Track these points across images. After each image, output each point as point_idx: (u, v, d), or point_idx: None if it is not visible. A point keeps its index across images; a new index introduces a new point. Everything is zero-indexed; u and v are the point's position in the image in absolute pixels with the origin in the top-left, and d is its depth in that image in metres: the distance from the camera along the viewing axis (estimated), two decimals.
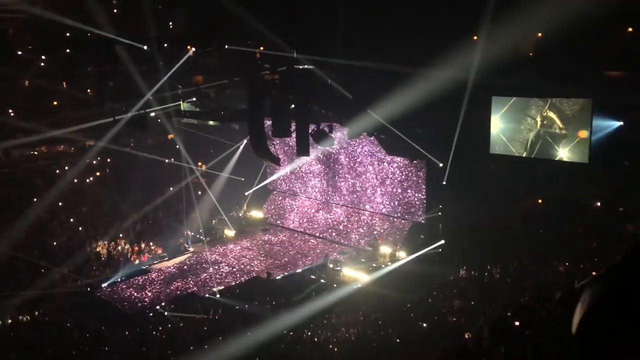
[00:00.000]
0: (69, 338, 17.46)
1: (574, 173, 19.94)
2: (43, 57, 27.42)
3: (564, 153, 20.08)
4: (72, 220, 26.68)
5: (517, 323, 11.20)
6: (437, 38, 18.98)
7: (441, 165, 22.39)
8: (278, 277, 22.74)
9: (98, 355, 16.28)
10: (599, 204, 20.49)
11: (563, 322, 9.90)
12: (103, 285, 22.38)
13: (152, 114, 25.16)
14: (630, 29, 18.59)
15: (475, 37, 20.38)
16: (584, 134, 19.45)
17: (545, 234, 20.64)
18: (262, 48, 24.32)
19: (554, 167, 20.34)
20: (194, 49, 24.34)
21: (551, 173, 20.42)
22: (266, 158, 22.47)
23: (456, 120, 20.72)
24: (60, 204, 27.08)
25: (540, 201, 21.70)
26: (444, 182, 22.24)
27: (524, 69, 19.94)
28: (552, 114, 20.19)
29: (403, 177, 25.00)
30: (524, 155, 21.15)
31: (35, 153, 31.17)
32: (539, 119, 20.52)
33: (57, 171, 29.69)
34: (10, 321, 18.93)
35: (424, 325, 16.47)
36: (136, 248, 25.54)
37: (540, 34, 20.16)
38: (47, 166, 29.93)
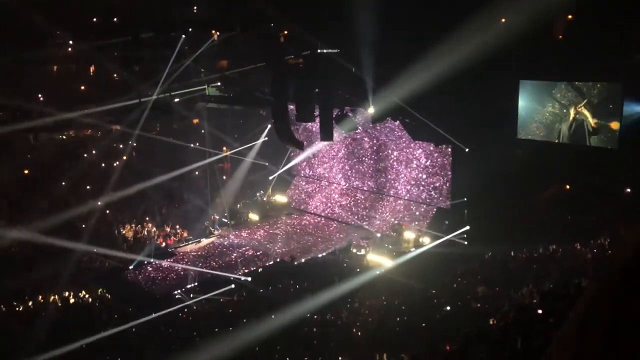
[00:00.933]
0: (96, 319, 17.83)
1: (602, 159, 19.56)
2: (70, 42, 27.72)
3: (593, 139, 19.69)
4: (99, 203, 27.09)
5: (540, 310, 11.09)
6: (464, 21, 18.67)
7: (467, 150, 22.16)
8: (302, 261, 22.84)
9: (125, 336, 16.59)
10: (628, 190, 20.10)
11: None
12: (130, 267, 22.76)
13: (177, 99, 25.36)
14: None
15: (503, 20, 20.03)
16: (615, 125, 19.02)
17: (572, 220, 20.34)
18: (286, 32, 24.26)
19: (582, 153, 19.97)
20: (218, 34, 24.41)
21: (579, 158, 20.05)
22: (289, 143, 22.52)
23: (483, 105, 20.44)
24: (88, 187, 27.52)
25: (567, 187, 21.36)
26: (468, 165, 22.01)
27: (553, 52, 19.58)
28: (585, 112, 19.74)
29: (428, 162, 24.82)
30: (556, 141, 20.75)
31: (64, 137, 31.64)
32: (572, 112, 20.07)
33: (85, 155, 30.16)
34: (41, 300, 19.37)
35: (448, 310, 16.42)
36: (162, 232, 25.88)
37: (570, 17, 19.72)
38: (74, 150, 30.40)
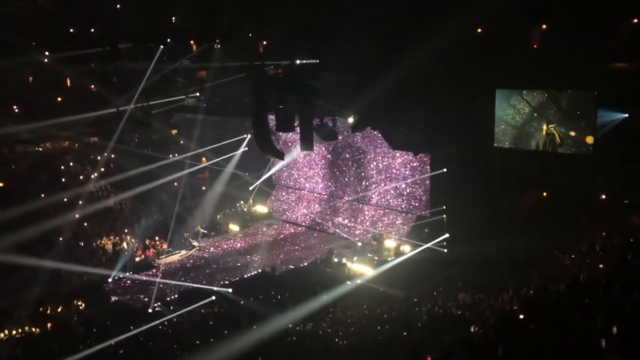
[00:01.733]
0: (75, 333, 17.53)
1: (579, 165, 19.86)
2: (47, 52, 27.41)
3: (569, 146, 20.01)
4: (77, 215, 26.71)
5: (521, 316, 11.18)
6: (441, 31, 18.90)
7: (445, 158, 22.35)
8: (283, 271, 22.75)
9: (104, 350, 16.33)
10: (604, 196, 20.43)
11: (569, 314, 9.90)
12: (109, 280, 22.45)
13: (155, 111, 25.17)
14: (635, 20, 18.48)
15: (479, 30, 20.32)
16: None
17: (551, 227, 20.58)
18: (265, 42, 24.28)
19: (558, 160, 20.25)
20: (196, 45, 24.30)
21: (556, 165, 20.34)
22: (270, 153, 22.42)
23: (460, 114, 20.65)
24: (64, 199, 27.12)
25: (545, 194, 21.63)
26: (446, 173, 22.21)
27: (528, 61, 19.88)
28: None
29: (407, 171, 24.97)
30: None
31: (40, 149, 31.20)
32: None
33: (62, 167, 29.76)
34: (16, 316, 18.98)
35: (429, 318, 16.47)
36: (141, 244, 25.59)
37: (544, 27, 20.07)
38: (51, 162, 29.97)
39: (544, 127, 20.31)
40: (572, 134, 19.73)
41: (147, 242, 25.85)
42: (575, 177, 20.05)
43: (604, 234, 18.85)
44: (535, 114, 20.48)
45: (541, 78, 19.85)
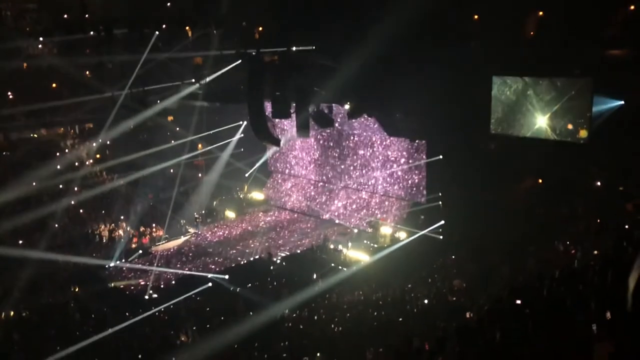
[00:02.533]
0: (71, 319, 17.58)
1: (574, 153, 19.92)
2: (41, 39, 27.21)
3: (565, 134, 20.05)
4: (72, 202, 26.69)
5: (517, 302, 11.26)
6: (438, 18, 18.86)
7: (441, 145, 22.37)
8: (279, 258, 22.82)
9: (100, 336, 16.39)
10: (599, 183, 20.51)
11: (563, 300, 9.98)
12: (105, 267, 22.49)
13: (152, 97, 25.07)
14: (632, 7, 18.43)
15: (476, 17, 20.25)
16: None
17: (546, 214, 20.68)
18: (260, 28, 24.15)
19: (554, 147, 20.29)
20: (192, 30, 24.15)
21: (552, 152, 20.38)
22: (266, 139, 22.46)
23: (456, 100, 20.63)
24: (60, 186, 27.08)
25: (540, 181, 21.70)
26: (443, 160, 22.23)
27: (525, 48, 19.84)
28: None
29: (403, 157, 24.96)
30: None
31: (35, 136, 31.10)
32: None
33: (57, 154, 29.66)
34: (11, 300, 19.00)
35: (424, 304, 16.58)
36: (136, 231, 25.58)
37: (541, 13, 20.01)
38: (46, 149, 29.87)
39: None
40: (570, 126, 19.74)
41: (142, 229, 25.83)
42: (571, 165, 20.11)
43: (598, 221, 18.95)
44: (531, 100, 20.50)
45: (538, 64, 19.84)
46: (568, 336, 8.43)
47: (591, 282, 10.80)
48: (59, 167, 28.20)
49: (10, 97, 29.20)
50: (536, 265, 16.93)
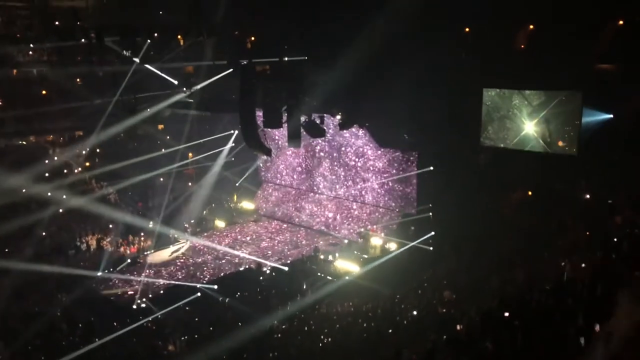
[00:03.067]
0: (58, 329, 17.37)
1: (563, 165, 20.05)
2: (31, 45, 27.09)
3: (553, 146, 20.20)
4: (60, 210, 26.46)
5: (506, 314, 11.25)
6: (430, 29, 18.99)
7: (432, 155, 22.44)
8: (268, 268, 22.70)
9: (88, 346, 16.21)
10: (587, 196, 20.62)
11: (553, 312, 9.99)
12: (92, 276, 22.27)
13: (142, 105, 25.03)
14: (621, 22, 18.66)
15: (467, 29, 20.41)
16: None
17: (535, 226, 20.73)
18: (253, 38, 24.19)
19: (543, 159, 20.42)
20: (184, 39, 24.15)
21: (541, 165, 20.50)
22: (257, 149, 22.41)
23: (447, 112, 20.75)
24: (49, 193, 26.85)
25: (530, 193, 21.80)
26: (435, 175, 22.26)
27: (515, 61, 20.00)
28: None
29: (394, 168, 24.99)
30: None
31: (24, 143, 30.88)
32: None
33: (46, 161, 29.46)
34: None
35: (414, 315, 16.54)
36: (125, 240, 25.38)
37: (532, 27, 20.21)
38: (35, 156, 29.64)
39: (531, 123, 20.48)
40: (560, 143, 19.92)
41: (130, 238, 25.63)
42: (560, 177, 20.24)
43: (587, 233, 19.02)
44: (521, 112, 20.66)
45: (528, 78, 20.00)
46: (557, 349, 8.43)
47: (580, 295, 10.81)
48: (47, 174, 28.01)
49: (1, 104, 29.07)
50: (525, 277, 16.94)
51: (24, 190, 25.70)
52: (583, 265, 15.63)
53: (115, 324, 17.77)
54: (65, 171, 28.98)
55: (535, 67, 19.50)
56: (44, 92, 29.62)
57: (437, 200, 22.81)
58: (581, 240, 18.78)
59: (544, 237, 19.68)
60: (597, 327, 8.44)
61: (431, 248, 21.77)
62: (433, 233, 22.04)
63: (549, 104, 20.08)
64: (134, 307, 19.71)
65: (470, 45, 20.70)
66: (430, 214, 23.06)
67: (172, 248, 25.17)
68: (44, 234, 24.51)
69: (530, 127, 20.60)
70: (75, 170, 29.46)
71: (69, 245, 24.19)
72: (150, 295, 20.69)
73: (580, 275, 13.12)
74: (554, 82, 19.65)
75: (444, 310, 16.54)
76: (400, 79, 20.18)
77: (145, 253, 24.81)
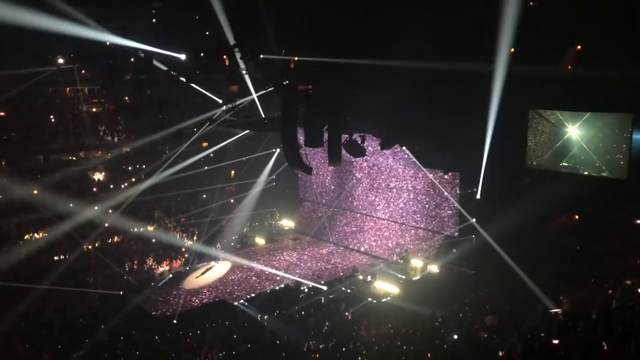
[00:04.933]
0: (100, 341, 17.69)
1: (612, 189, 19.43)
2: (83, 65, 28.13)
3: (602, 169, 19.66)
4: (106, 225, 27.13)
5: (555, 342, 10.89)
6: (474, 51, 18.81)
7: (475, 178, 22.08)
8: (306, 287, 22.65)
9: (129, 358, 16.44)
10: (638, 221, 19.91)
11: (600, 341, 9.62)
12: (134, 289, 22.69)
13: (188, 123, 25.55)
14: None
15: (512, 50, 20.12)
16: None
17: (581, 251, 20.14)
18: (296, 58, 24.43)
19: (591, 182, 19.85)
20: (229, 59, 24.61)
21: (588, 188, 19.92)
22: (298, 168, 22.53)
23: (492, 134, 20.43)
24: (95, 208, 27.60)
25: (576, 217, 21.19)
26: (478, 197, 21.88)
27: (563, 82, 19.59)
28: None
29: (436, 189, 24.73)
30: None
31: (73, 158, 31.90)
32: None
33: (94, 176, 30.34)
34: (44, 320, 19.27)
35: (455, 340, 16.18)
36: (167, 257, 25.77)
37: (579, 47, 19.81)
38: (84, 171, 30.59)
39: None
40: (610, 167, 19.40)
41: (172, 253, 26.04)
42: (608, 201, 19.60)
43: (638, 261, 18.35)
44: (568, 134, 20.23)
45: (576, 99, 19.56)
46: None
47: (631, 323, 10.39)
48: (94, 189, 28.83)
49: (52, 120, 30.13)
50: (571, 304, 16.42)
51: (70, 205, 26.54)
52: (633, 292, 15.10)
53: (156, 337, 18.01)
54: (111, 186, 29.73)
55: (583, 88, 19.06)
56: (93, 109, 30.62)
57: (480, 223, 22.39)
58: (631, 267, 18.16)
59: (590, 263, 19.09)
60: None
61: (473, 271, 21.36)
62: (475, 256, 21.60)
63: (597, 126, 19.60)
64: (174, 321, 19.93)
65: (515, 66, 20.40)
66: (473, 236, 22.64)
67: (213, 264, 25.40)
68: (89, 247, 25.13)
69: (577, 149, 20.10)
70: (122, 186, 30.19)
71: (112, 259, 24.66)
72: (189, 310, 20.91)
73: (629, 304, 12.65)
74: (603, 104, 19.16)
75: (486, 336, 16.13)
76: (444, 99, 20.01)
77: (187, 268, 25.15)
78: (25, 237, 25.29)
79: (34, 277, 22.03)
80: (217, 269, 25.08)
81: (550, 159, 20.96)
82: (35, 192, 27.63)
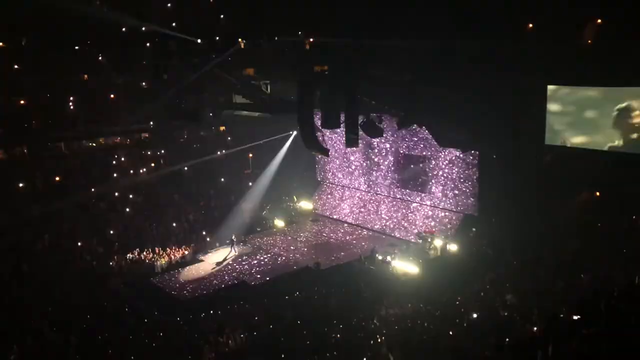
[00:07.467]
0: (125, 323, 18.01)
1: (633, 164, 19.13)
2: (100, 51, 28.25)
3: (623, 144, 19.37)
4: (127, 209, 27.47)
5: (575, 317, 10.84)
6: (492, 27, 18.56)
7: (494, 156, 21.91)
8: (326, 268, 22.77)
9: (153, 340, 16.73)
10: None
11: (625, 317, 9.55)
12: (157, 272, 23.03)
13: (205, 107, 25.65)
14: None
15: (530, 25, 19.82)
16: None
17: (603, 228, 19.92)
18: (312, 39, 24.32)
19: (612, 158, 19.57)
20: (244, 42, 24.58)
21: (610, 164, 19.64)
22: (315, 149, 22.56)
23: (511, 111, 20.21)
24: (116, 194, 27.95)
25: (598, 194, 20.94)
26: (496, 172, 21.74)
27: (583, 56, 19.25)
28: None
29: (455, 169, 24.56)
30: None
31: (93, 144, 32.23)
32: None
33: (114, 162, 30.65)
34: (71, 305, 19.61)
35: (475, 318, 16.20)
36: (187, 240, 26.01)
37: (599, 21, 19.41)
38: (103, 157, 30.91)
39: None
40: (634, 136, 19.02)
41: (193, 236, 26.31)
42: (630, 177, 19.31)
43: None
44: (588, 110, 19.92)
45: (595, 74, 19.21)
46: (630, 356, 8.05)
47: None
48: (115, 174, 29.16)
49: (72, 107, 30.39)
50: (593, 281, 16.31)
51: (92, 190, 26.93)
52: None
53: (178, 319, 18.29)
54: (131, 171, 30.02)
55: (604, 63, 18.70)
56: (112, 96, 30.81)
57: (499, 202, 22.25)
58: None
59: (612, 240, 18.88)
60: None
61: (492, 250, 21.27)
62: (495, 235, 21.51)
63: (619, 101, 19.27)
64: (195, 303, 20.20)
65: (534, 40, 20.06)
66: (493, 216, 22.52)
67: (232, 247, 25.61)
68: (111, 232, 25.49)
69: (598, 125, 19.81)
70: (141, 171, 30.48)
71: (134, 243, 24.98)
72: (211, 292, 21.17)
73: None
74: (623, 79, 18.80)
75: (506, 314, 16.13)
76: (461, 76, 19.79)
77: (208, 251, 25.39)
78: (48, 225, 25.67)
79: (59, 263, 22.48)
80: (237, 251, 25.28)
81: (569, 136, 20.67)
82: (58, 178, 28.04)
